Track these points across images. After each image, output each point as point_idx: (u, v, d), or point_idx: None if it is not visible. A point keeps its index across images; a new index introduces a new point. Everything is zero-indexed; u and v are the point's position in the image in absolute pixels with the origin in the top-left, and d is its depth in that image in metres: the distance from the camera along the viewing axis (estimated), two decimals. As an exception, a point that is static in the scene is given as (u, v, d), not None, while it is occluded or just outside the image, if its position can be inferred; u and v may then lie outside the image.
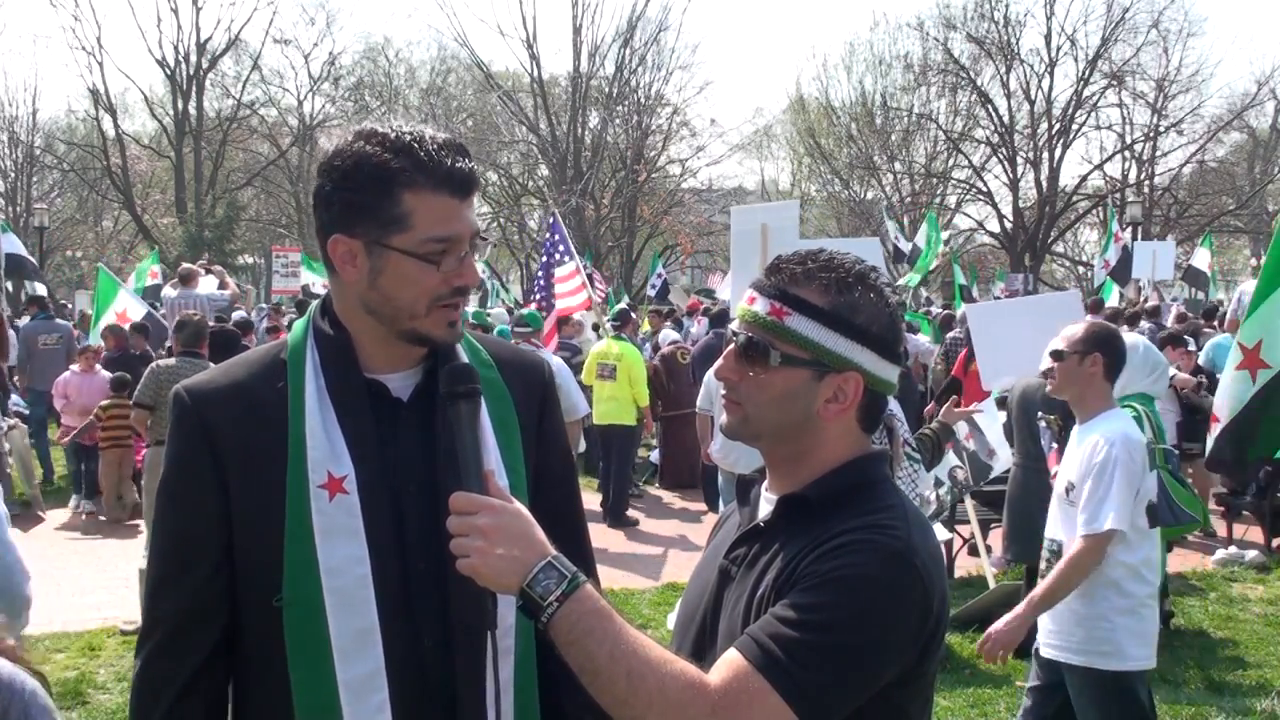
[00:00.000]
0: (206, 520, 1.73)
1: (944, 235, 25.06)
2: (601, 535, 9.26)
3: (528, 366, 1.94)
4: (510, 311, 16.22)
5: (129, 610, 6.96)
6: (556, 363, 8.60)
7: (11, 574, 2.61)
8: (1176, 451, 6.01)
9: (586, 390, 10.39)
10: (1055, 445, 5.46)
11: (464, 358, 1.82)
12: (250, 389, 1.76)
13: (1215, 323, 13.22)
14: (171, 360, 7.35)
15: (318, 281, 19.30)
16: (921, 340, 13.56)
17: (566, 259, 10.54)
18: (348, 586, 1.68)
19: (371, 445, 1.73)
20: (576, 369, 10.69)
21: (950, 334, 14.72)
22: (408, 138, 1.68)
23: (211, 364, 7.15)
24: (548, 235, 10.52)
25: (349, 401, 1.75)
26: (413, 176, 1.65)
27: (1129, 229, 23.26)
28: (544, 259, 10.52)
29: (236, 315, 12.51)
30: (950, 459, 7.27)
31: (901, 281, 18.20)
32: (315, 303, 1.86)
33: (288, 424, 1.72)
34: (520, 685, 1.79)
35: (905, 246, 19.28)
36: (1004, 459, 7.43)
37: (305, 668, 1.68)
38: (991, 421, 7.68)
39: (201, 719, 1.76)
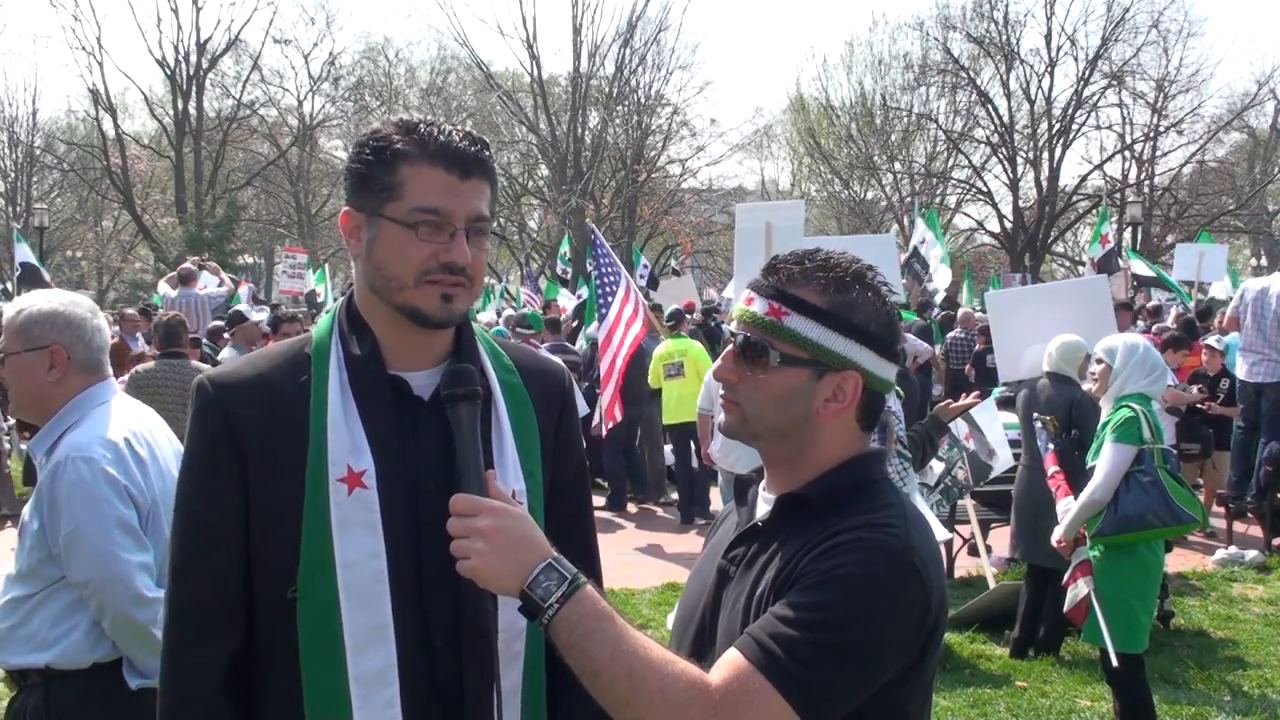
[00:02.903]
0: (227, 510, 1.74)
1: (944, 235, 24.83)
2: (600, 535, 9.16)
3: (548, 373, 1.96)
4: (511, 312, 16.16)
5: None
6: (566, 368, 8.45)
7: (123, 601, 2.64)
8: (1175, 451, 6.00)
9: (656, 394, 10.33)
10: (1052, 446, 5.45)
11: (485, 359, 1.83)
12: (273, 381, 1.77)
13: (1214, 322, 13.12)
14: (150, 364, 7.04)
15: (319, 289, 19.28)
16: (916, 341, 13.54)
17: (615, 282, 9.82)
18: (363, 581, 1.68)
19: (392, 441, 1.74)
20: (571, 368, 10.53)
21: (951, 334, 14.75)
22: (420, 120, 1.74)
23: (192, 360, 6.99)
24: (595, 252, 10.08)
25: (371, 396, 1.75)
26: (409, 148, 1.70)
27: (1128, 229, 23.22)
28: (599, 277, 9.95)
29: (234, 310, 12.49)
30: (938, 465, 7.26)
31: (933, 287, 17.84)
32: (341, 298, 1.88)
33: (309, 417, 1.72)
34: (529, 690, 1.80)
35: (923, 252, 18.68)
36: (1004, 459, 7.42)
37: (317, 660, 1.69)
38: (992, 421, 7.66)
39: (235, 710, 1.76)
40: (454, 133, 1.72)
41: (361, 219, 1.74)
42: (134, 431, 2.79)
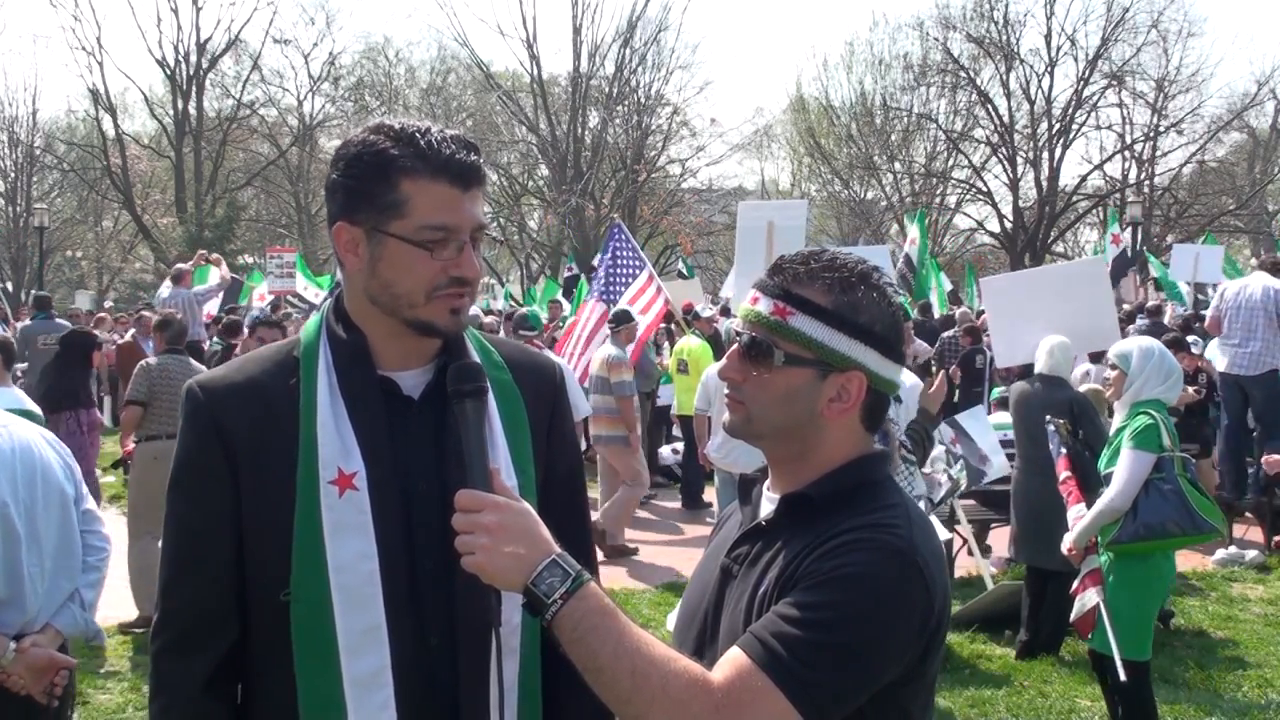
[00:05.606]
0: (218, 516, 1.74)
1: (943, 237, 24.80)
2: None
3: (539, 368, 1.95)
4: (512, 313, 16.17)
5: (128, 608, 6.95)
6: (559, 363, 8.57)
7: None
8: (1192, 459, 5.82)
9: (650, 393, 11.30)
10: (1064, 450, 5.31)
11: (475, 356, 1.83)
12: (263, 385, 1.77)
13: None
14: (155, 359, 7.46)
15: (310, 288, 19.26)
16: (917, 342, 13.55)
17: (638, 269, 10.64)
18: (355, 583, 1.68)
19: (383, 442, 1.74)
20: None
21: (947, 333, 14.75)
22: (413, 129, 1.70)
23: (192, 360, 7.51)
24: (609, 243, 10.59)
25: (361, 398, 1.75)
26: (411, 164, 1.67)
27: (1128, 229, 23.18)
28: (606, 266, 10.57)
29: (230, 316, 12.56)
30: (944, 480, 7.20)
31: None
32: (328, 300, 1.87)
33: (299, 420, 1.72)
34: (525, 685, 1.80)
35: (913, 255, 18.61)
36: (998, 466, 7.30)
37: (311, 663, 1.69)
38: (983, 430, 7.53)
39: (225, 711, 1.77)
40: (450, 142, 1.70)
41: (360, 234, 1.71)
42: None
